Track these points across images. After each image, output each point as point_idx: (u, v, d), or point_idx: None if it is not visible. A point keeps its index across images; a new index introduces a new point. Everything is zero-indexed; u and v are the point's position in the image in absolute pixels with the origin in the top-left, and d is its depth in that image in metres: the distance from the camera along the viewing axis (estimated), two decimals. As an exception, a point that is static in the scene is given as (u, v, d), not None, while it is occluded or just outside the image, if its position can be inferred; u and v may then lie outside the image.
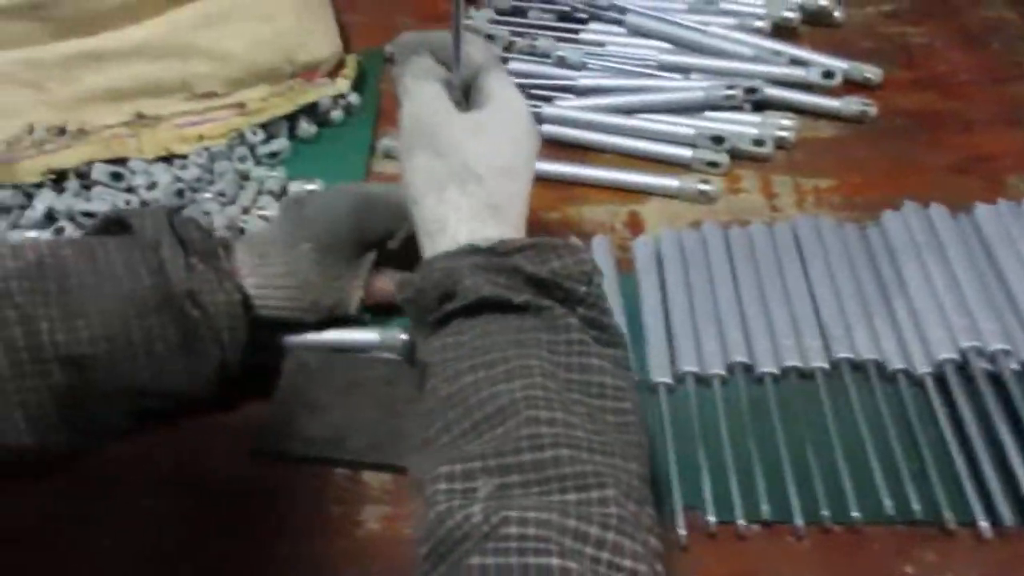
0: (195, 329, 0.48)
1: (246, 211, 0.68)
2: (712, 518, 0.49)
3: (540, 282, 0.40)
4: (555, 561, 0.30)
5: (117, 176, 0.69)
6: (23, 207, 0.68)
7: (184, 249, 0.49)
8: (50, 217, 0.68)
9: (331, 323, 0.56)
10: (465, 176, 0.44)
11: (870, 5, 0.86)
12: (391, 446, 0.53)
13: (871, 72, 0.76)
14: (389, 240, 0.57)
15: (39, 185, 0.68)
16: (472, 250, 0.41)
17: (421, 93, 0.47)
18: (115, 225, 0.51)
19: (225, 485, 0.52)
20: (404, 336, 0.58)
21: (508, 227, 0.44)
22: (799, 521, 0.48)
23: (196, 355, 0.49)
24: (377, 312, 0.58)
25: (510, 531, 0.31)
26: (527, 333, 0.39)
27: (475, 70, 0.49)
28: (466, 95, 0.51)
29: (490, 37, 0.83)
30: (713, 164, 0.70)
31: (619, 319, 0.58)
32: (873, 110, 0.73)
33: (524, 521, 0.31)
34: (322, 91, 0.75)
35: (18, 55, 0.68)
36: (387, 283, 0.57)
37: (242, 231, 0.66)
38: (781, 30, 0.82)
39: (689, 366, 0.55)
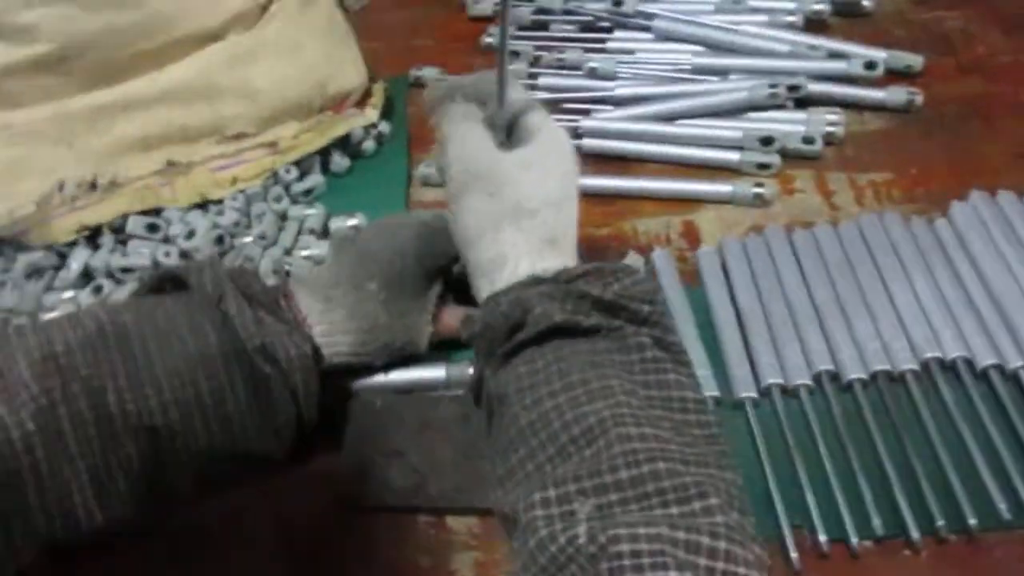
0: (267, 384, 0.46)
1: (288, 252, 0.66)
2: (823, 537, 0.46)
3: (607, 305, 0.40)
4: (673, 574, 0.29)
5: (153, 227, 0.67)
6: (57, 268, 0.66)
7: (248, 301, 0.47)
8: (86, 275, 0.66)
9: (399, 362, 0.54)
10: (519, 213, 0.44)
11: (898, -8, 0.84)
12: (474, 488, 0.51)
13: (912, 60, 0.75)
14: (454, 265, 0.55)
15: (73, 243, 0.66)
16: (536, 280, 0.41)
17: (464, 137, 0.47)
18: (170, 282, 0.49)
19: (312, 539, 0.49)
20: (473, 370, 0.55)
21: (565, 257, 0.44)
22: (914, 534, 0.46)
23: (270, 411, 0.47)
24: (444, 347, 0.56)
25: (621, 548, 0.30)
26: (601, 355, 0.38)
27: (515, 108, 0.49)
28: (508, 134, 0.50)
29: (515, 54, 0.81)
30: (764, 166, 0.68)
31: (692, 332, 0.56)
32: (920, 99, 0.72)
33: (635, 537, 0.30)
34: (352, 122, 0.73)
35: (45, 110, 0.67)
36: (454, 316, 0.55)
37: (288, 273, 0.64)
38: (812, 24, 0.80)
39: (773, 378, 0.53)
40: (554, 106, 0.76)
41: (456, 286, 0.56)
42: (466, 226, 0.45)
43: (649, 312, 0.40)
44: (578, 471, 0.34)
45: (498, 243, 0.44)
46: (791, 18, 0.78)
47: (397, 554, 0.49)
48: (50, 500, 0.40)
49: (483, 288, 0.44)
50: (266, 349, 0.45)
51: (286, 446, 0.49)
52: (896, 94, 0.72)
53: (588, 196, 0.69)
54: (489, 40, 0.84)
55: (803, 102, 0.73)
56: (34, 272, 0.66)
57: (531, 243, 0.44)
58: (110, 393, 0.42)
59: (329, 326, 0.49)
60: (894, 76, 0.75)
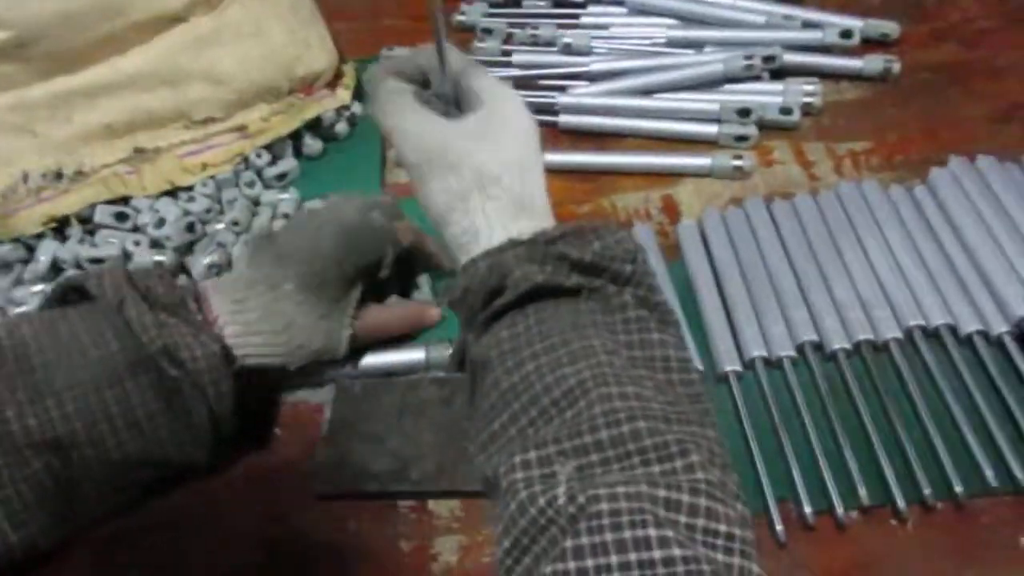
0: (177, 388, 0.44)
1: (262, 238, 0.65)
2: (808, 508, 0.46)
3: (587, 266, 0.39)
4: (652, 532, 0.29)
5: (122, 216, 0.65)
6: (25, 261, 0.65)
7: (150, 305, 0.45)
8: (56, 268, 0.64)
9: (321, 365, 0.53)
10: (483, 181, 0.43)
11: (872, -40, 0.84)
12: (456, 470, 0.50)
13: (888, 27, 0.74)
14: (379, 270, 0.53)
15: (40, 235, 0.65)
16: (513, 244, 0.40)
17: (409, 119, 0.45)
18: (74, 293, 0.47)
19: (294, 532, 0.48)
20: (453, 351, 0.54)
21: (539, 219, 0.43)
22: (900, 502, 0.46)
23: (182, 416, 0.45)
24: (371, 348, 0.55)
25: (601, 508, 0.30)
26: (583, 315, 0.38)
27: (456, 75, 0.47)
28: (457, 103, 0.49)
29: (487, 31, 0.80)
30: (742, 138, 0.67)
31: (675, 307, 0.55)
32: (897, 66, 0.71)
33: (614, 496, 0.30)
34: (324, 104, 0.72)
35: (5, 99, 0.65)
36: (377, 316, 0.53)
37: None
38: (786, -7, 0.79)
39: (757, 351, 0.53)
40: (529, 82, 0.74)
41: (385, 289, 0.55)
42: (435, 206, 0.44)
43: (631, 271, 0.39)
44: (559, 433, 0.34)
45: (468, 215, 0.43)
46: (765, -12, 0.78)
47: (379, 541, 0.48)
48: None
49: (462, 259, 0.43)
50: (169, 351, 0.43)
51: (206, 450, 0.47)
52: (873, 62, 0.71)
53: (567, 173, 0.68)
54: (461, 18, 0.82)
55: (780, 73, 0.72)
56: (2, 266, 0.65)
57: (501, 209, 0.42)
58: (9, 409, 0.40)
59: (242, 327, 0.47)
60: (870, 45, 0.74)
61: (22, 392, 0.40)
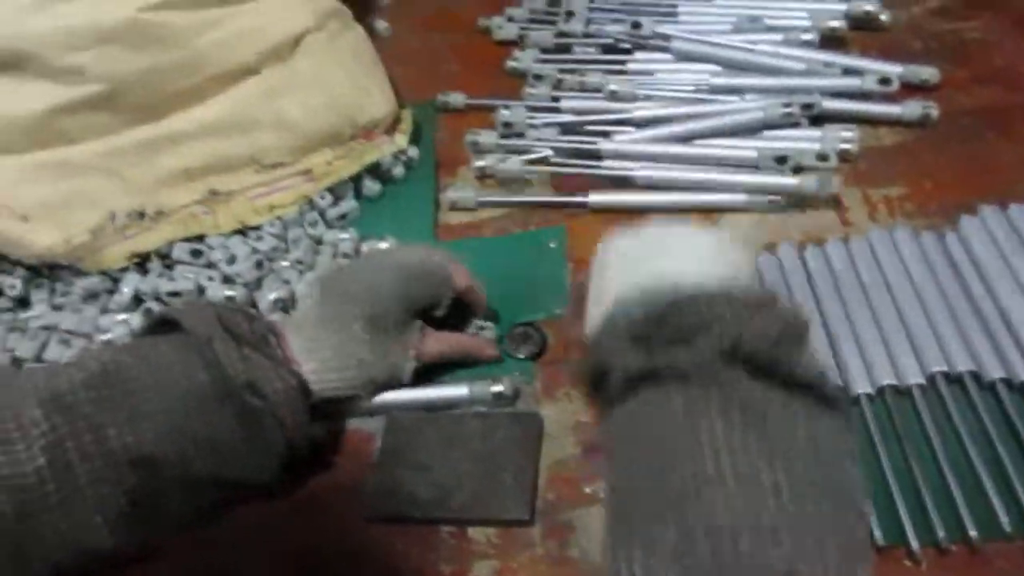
0: (258, 418, 0.49)
1: (323, 275, 0.70)
2: (825, 548, 0.48)
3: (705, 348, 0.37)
4: None
5: (197, 253, 0.71)
6: (111, 292, 0.71)
7: (236, 340, 0.50)
8: (137, 299, 0.70)
9: (424, 381, 0.57)
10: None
11: (916, 4, 0.85)
12: (494, 499, 0.54)
13: (927, 73, 0.76)
14: (435, 309, 0.57)
15: (124, 269, 0.71)
16: (625, 320, 0.39)
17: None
18: (164, 324, 0.53)
19: (339, 551, 0.53)
20: (495, 388, 0.58)
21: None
22: (915, 543, 0.48)
23: (261, 443, 0.50)
24: (432, 372, 0.59)
25: None
26: (697, 403, 0.36)
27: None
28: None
29: (538, 77, 0.84)
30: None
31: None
32: (935, 112, 0.73)
33: None
34: (383, 149, 0.77)
35: (97, 146, 0.71)
36: (435, 346, 0.58)
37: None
38: (829, 40, 0.81)
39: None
40: (577, 128, 0.78)
41: (441, 326, 0.59)
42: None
43: (774, 354, 0.36)
44: (663, 543, 0.33)
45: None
46: (807, 36, 0.80)
47: (421, 564, 0.52)
48: (62, 528, 0.43)
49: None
50: (253, 384, 0.48)
51: (276, 475, 0.52)
52: (911, 108, 0.73)
53: (605, 213, 0.72)
54: (513, 64, 0.87)
55: (819, 119, 0.74)
56: (90, 296, 0.71)
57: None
58: (110, 428, 0.45)
59: (317, 364, 0.52)
60: (910, 90, 0.76)
61: (122, 413, 0.46)
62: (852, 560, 0.32)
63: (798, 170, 0.70)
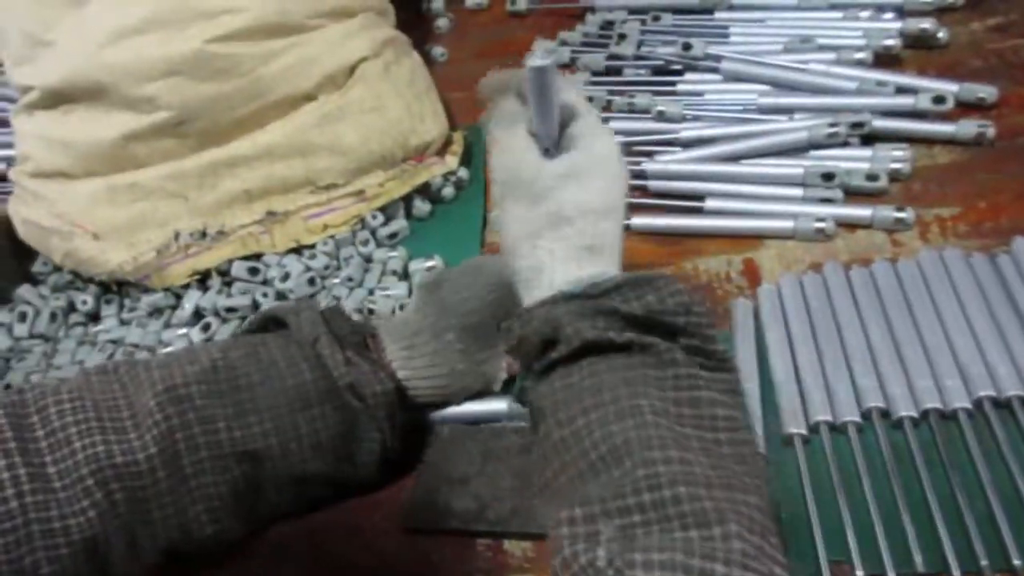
0: (356, 419, 0.51)
1: (371, 292, 0.72)
2: (860, 572, 0.48)
3: (638, 320, 0.40)
4: None
5: (254, 271, 0.74)
6: (173, 307, 0.75)
7: (339, 343, 0.52)
8: (197, 314, 0.74)
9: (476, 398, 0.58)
10: (558, 221, 0.44)
11: (975, 21, 0.84)
12: (530, 513, 0.54)
13: (984, 92, 0.74)
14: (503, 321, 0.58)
15: (186, 286, 0.75)
16: (568, 296, 0.42)
17: (510, 143, 0.47)
18: (272, 323, 0.55)
19: (382, 560, 0.54)
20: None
21: (604, 264, 0.44)
22: (956, 573, 0.47)
23: (358, 443, 0.52)
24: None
25: (636, 574, 0.32)
26: (634, 371, 0.39)
27: (564, 114, 0.47)
28: (559, 137, 0.48)
29: (589, 100, 0.85)
30: (826, 201, 0.69)
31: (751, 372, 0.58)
32: (991, 131, 0.71)
33: (649, 564, 0.32)
34: (433, 171, 0.79)
35: (164, 170, 0.75)
36: None
37: (371, 311, 0.69)
38: (884, 59, 0.80)
39: (822, 415, 0.55)
40: (626, 149, 0.79)
41: None
42: (509, 233, 0.46)
43: (685, 323, 0.40)
44: (603, 492, 0.35)
45: (536, 251, 0.45)
46: (860, 55, 0.79)
47: (457, 574, 0.53)
48: (168, 514, 0.46)
49: (523, 295, 0.46)
50: (355, 387, 0.50)
51: (374, 474, 0.54)
52: (966, 127, 0.72)
53: (653, 235, 0.72)
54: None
55: (871, 138, 0.73)
56: (155, 311, 0.75)
57: (569, 251, 0.44)
58: (220, 421, 0.48)
59: (412, 372, 0.54)
60: (967, 108, 0.74)
61: (231, 407, 0.48)
62: (767, 518, 0.35)
63: (848, 192, 0.70)
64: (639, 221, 0.72)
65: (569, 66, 0.91)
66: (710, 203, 0.71)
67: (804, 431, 0.55)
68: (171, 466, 0.45)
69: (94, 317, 0.77)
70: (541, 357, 0.42)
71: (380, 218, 0.77)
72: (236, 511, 0.49)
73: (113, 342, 0.74)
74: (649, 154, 0.77)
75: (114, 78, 0.73)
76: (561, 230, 0.44)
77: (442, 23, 1.04)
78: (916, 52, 0.82)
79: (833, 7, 0.85)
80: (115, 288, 0.78)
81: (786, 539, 0.40)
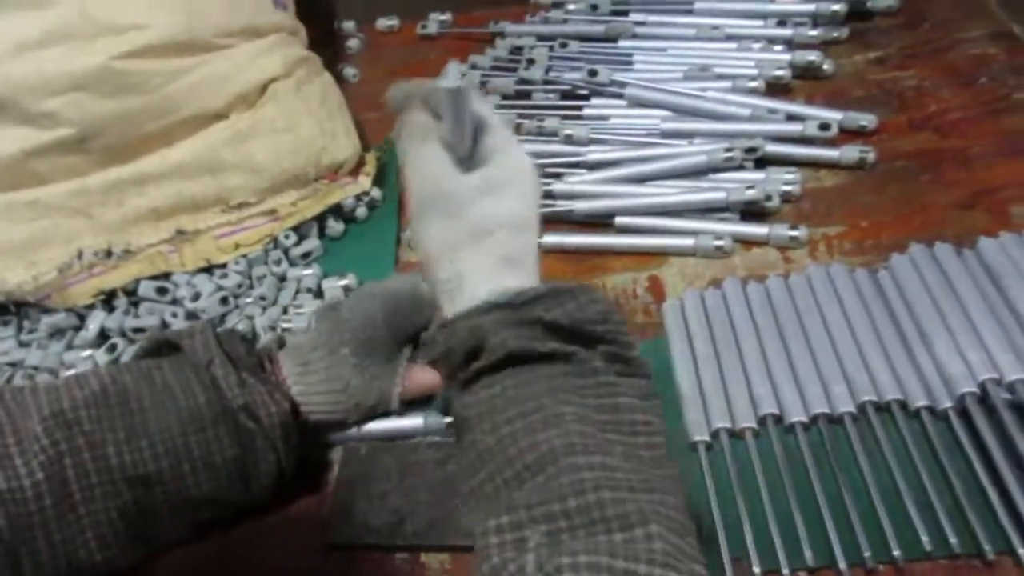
0: (251, 440, 0.51)
1: (286, 311, 0.72)
2: (757, 568, 0.51)
3: (560, 328, 0.41)
4: None
5: (162, 290, 0.73)
6: (77, 328, 0.73)
7: (234, 364, 0.52)
8: (103, 335, 0.72)
9: (374, 418, 0.59)
10: (477, 234, 0.45)
11: (857, 54, 0.90)
12: (447, 526, 0.55)
13: (865, 119, 0.80)
14: (424, 333, 0.60)
15: (91, 306, 0.73)
16: (492, 306, 0.42)
17: (424, 157, 0.46)
18: (165, 346, 0.55)
19: (299, 576, 0.54)
20: (448, 419, 0.61)
21: (525, 277, 0.45)
22: (842, 564, 0.50)
23: (253, 464, 0.52)
24: (415, 403, 0.61)
25: None
26: (556, 379, 0.40)
27: (476, 124, 0.47)
28: (471, 150, 0.48)
29: (499, 121, 0.87)
30: (723, 219, 0.73)
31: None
32: (872, 156, 0.77)
33: (576, 567, 0.33)
34: (347, 190, 0.80)
35: (67, 187, 0.74)
36: (422, 375, 0.60)
37: (285, 330, 0.70)
38: (775, 87, 0.86)
39: (722, 422, 0.58)
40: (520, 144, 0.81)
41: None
42: (428, 247, 0.46)
43: (603, 331, 0.41)
44: (529, 498, 0.36)
45: (456, 264, 0.45)
46: (753, 83, 0.84)
47: (374, 588, 0.53)
48: (55, 541, 0.45)
49: (446, 308, 0.45)
50: (249, 408, 0.51)
51: (267, 494, 0.54)
52: (849, 152, 0.77)
53: (561, 253, 0.75)
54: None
55: (764, 162, 0.78)
56: (56, 332, 0.73)
57: (489, 264, 0.44)
58: (110, 446, 0.47)
59: (306, 387, 0.55)
60: (850, 134, 0.80)
61: (121, 431, 0.48)
62: (686, 518, 0.36)
63: (747, 213, 0.74)
64: (550, 239, 0.74)
65: (480, 89, 0.93)
66: (619, 220, 0.74)
67: (707, 438, 0.58)
68: (59, 492, 0.45)
69: (-10, 339, 0.74)
70: (465, 368, 0.42)
71: (293, 237, 0.77)
72: (127, 537, 0.48)
73: (11, 365, 0.71)
74: (557, 175, 0.79)
75: (14, 93, 0.71)
76: (482, 243, 0.45)
77: (354, 44, 1.05)
78: (804, 82, 0.87)
79: (729, 38, 0.90)
80: (13, 309, 0.75)
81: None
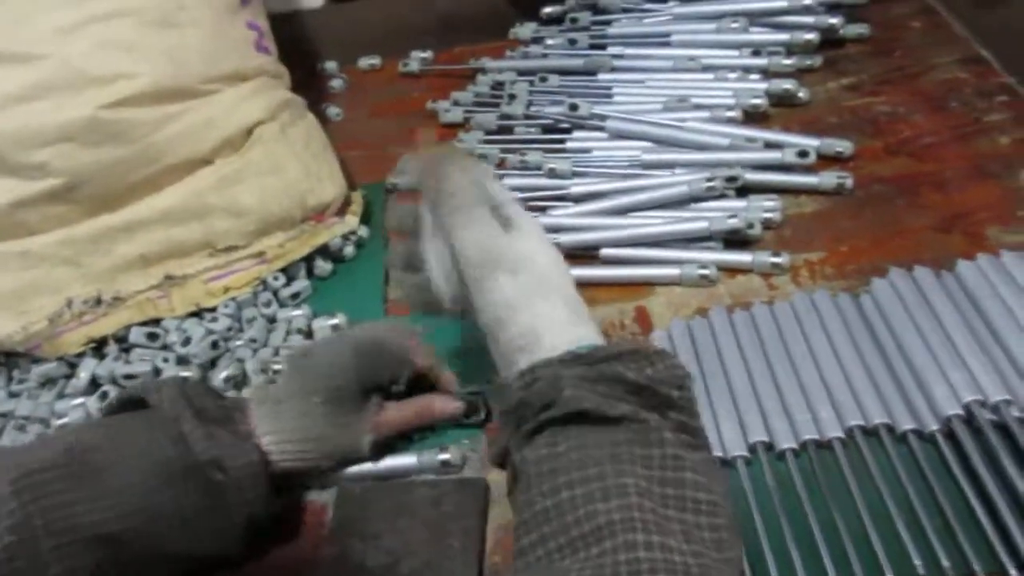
0: (222, 493, 0.52)
1: (276, 352, 0.72)
2: (754, 596, 0.51)
3: (639, 388, 0.41)
4: None
5: (153, 336, 0.73)
6: (68, 376, 0.73)
7: (201, 417, 0.53)
8: (94, 383, 0.72)
9: (346, 465, 0.60)
10: (545, 287, 0.47)
11: (831, 81, 0.92)
12: (443, 565, 0.56)
13: (841, 146, 0.81)
14: (394, 384, 0.61)
15: (81, 354, 0.73)
16: (574, 358, 0.42)
17: (475, 220, 0.49)
18: (132, 403, 0.55)
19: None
20: (442, 456, 0.61)
21: (593, 327, 0.47)
22: (838, 590, 0.51)
23: (224, 516, 0.52)
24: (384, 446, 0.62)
25: None
26: (622, 447, 0.39)
27: (497, 201, 0.51)
28: None
29: (483, 156, 0.88)
30: (707, 248, 0.74)
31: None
32: (849, 181, 0.78)
33: None
34: (334, 231, 0.80)
35: (56, 236, 0.74)
36: (395, 415, 0.60)
37: (276, 372, 0.70)
38: (752, 116, 0.87)
39: (713, 452, 0.58)
40: (520, 205, 0.82)
41: (405, 395, 0.62)
42: (495, 305, 0.47)
43: (678, 397, 0.41)
44: (582, 570, 0.35)
45: (532, 317, 0.46)
46: (730, 113, 0.86)
47: (372, 630, 0.53)
48: None
49: (520, 361, 0.45)
50: (217, 461, 0.51)
51: (239, 547, 0.54)
52: (827, 178, 0.78)
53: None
54: (459, 145, 0.91)
55: (745, 190, 0.79)
56: (47, 382, 0.73)
57: (559, 315, 0.46)
58: (77, 505, 0.47)
59: (277, 435, 0.55)
60: (828, 161, 0.82)
61: (88, 490, 0.48)
62: None
63: (731, 241, 0.75)
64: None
65: (463, 126, 0.95)
66: (604, 252, 0.75)
67: (697, 467, 0.58)
68: (29, 554, 0.45)
69: (-21, 390, 0.74)
70: (534, 419, 0.42)
71: (282, 279, 0.77)
72: None
73: (2, 415, 0.71)
74: (543, 209, 0.80)
75: (1, 146, 0.72)
76: (550, 296, 0.47)
77: (336, 83, 1.06)
78: (781, 110, 0.89)
79: (706, 69, 0.92)
80: (2, 359, 0.75)
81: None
